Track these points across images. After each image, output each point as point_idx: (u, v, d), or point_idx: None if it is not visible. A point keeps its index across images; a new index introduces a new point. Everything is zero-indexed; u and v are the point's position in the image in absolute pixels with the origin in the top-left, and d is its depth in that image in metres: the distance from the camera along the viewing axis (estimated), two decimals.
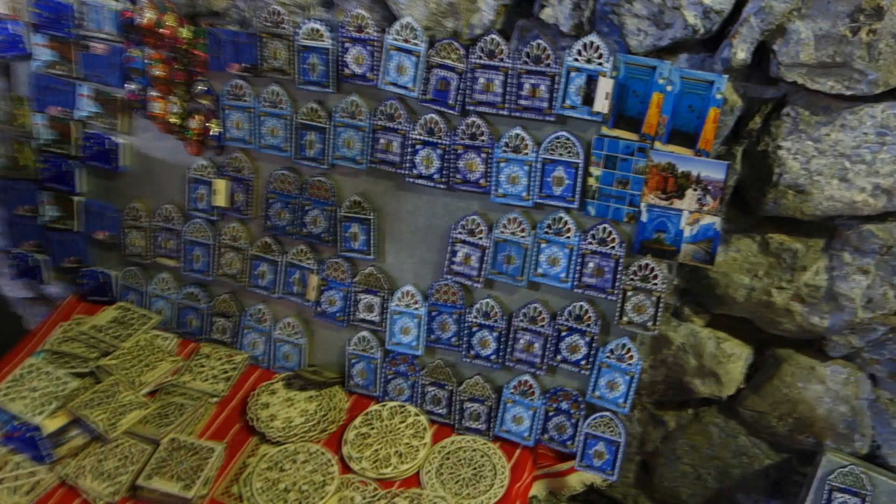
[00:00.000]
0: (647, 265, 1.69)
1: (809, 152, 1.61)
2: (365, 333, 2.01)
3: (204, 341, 2.20)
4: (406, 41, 1.72)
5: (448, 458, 1.87)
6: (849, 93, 1.51)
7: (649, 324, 1.71)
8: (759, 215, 1.75)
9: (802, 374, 1.89)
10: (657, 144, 1.61)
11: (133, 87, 2.04)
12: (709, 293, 1.89)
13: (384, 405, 2.00)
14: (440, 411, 1.97)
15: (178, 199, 2.14)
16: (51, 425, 1.85)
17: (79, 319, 2.22)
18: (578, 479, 1.98)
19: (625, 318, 1.73)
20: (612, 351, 1.76)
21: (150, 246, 2.20)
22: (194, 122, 2.00)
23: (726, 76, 1.53)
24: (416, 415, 1.96)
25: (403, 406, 1.99)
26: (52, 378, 1.96)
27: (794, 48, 1.50)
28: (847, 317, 1.75)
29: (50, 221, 2.28)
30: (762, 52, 1.55)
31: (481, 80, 1.69)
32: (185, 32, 1.92)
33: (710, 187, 1.60)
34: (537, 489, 2.00)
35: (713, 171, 1.59)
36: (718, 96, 1.54)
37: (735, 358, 1.95)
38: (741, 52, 1.53)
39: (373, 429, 1.93)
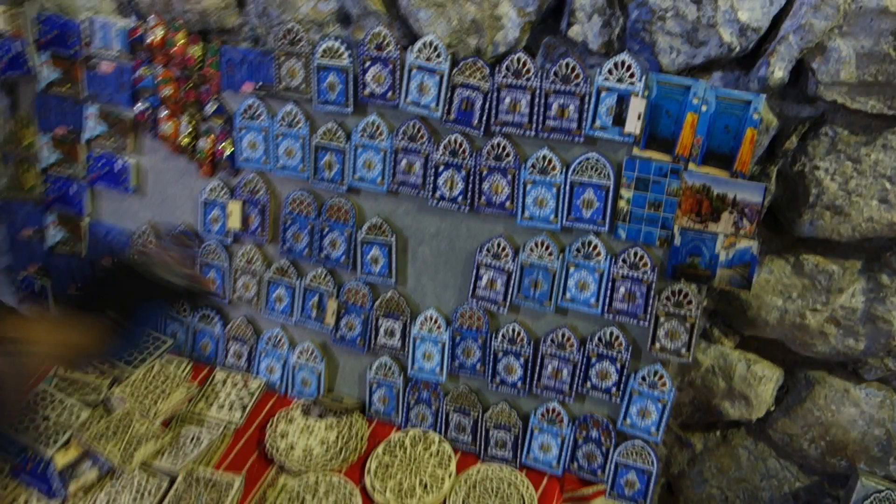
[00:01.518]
0: (680, 290, 1.63)
1: (848, 173, 1.56)
2: (386, 359, 1.95)
3: (219, 367, 2.14)
4: (428, 59, 1.67)
5: (474, 488, 1.81)
6: (891, 112, 1.46)
7: (683, 350, 1.66)
8: (794, 236, 1.70)
9: (836, 397, 1.84)
10: (691, 166, 1.56)
11: (142, 106, 1.98)
12: (740, 315, 1.84)
13: (406, 433, 1.94)
14: (465, 439, 1.91)
15: (191, 222, 2.08)
16: (63, 459, 1.79)
17: None
18: None
19: (657, 345, 1.68)
20: (643, 378, 1.71)
21: None
22: (206, 143, 1.94)
23: (763, 95, 1.48)
24: (440, 443, 1.91)
25: (426, 434, 1.93)
26: (66, 406, 1.90)
27: (835, 66, 1.45)
28: (884, 339, 1.70)
29: (56, 244, 2.22)
30: (799, 69, 1.50)
31: (507, 100, 1.64)
32: (195, 51, 1.86)
33: (746, 210, 1.55)
34: None
35: (750, 194, 1.54)
36: (756, 116, 1.49)
37: (766, 380, 1.90)
38: (779, 70, 1.48)
39: (395, 458, 1.87)
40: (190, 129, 1.95)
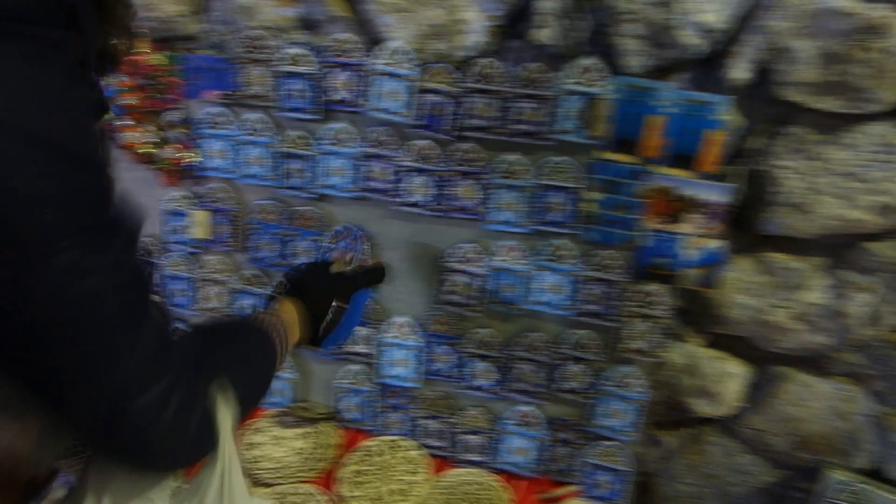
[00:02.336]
0: (649, 291, 1.65)
1: (811, 171, 1.58)
2: (357, 366, 1.94)
3: None
4: (395, 65, 1.66)
5: (449, 494, 1.81)
6: (851, 112, 1.49)
7: (653, 350, 1.68)
8: (759, 234, 1.72)
9: (802, 392, 1.87)
10: (658, 168, 1.58)
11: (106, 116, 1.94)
12: (707, 313, 1.86)
13: (378, 440, 1.93)
14: (438, 444, 1.91)
15: (156, 231, 2.05)
16: None
17: None
18: None
19: (628, 346, 1.69)
20: (614, 379, 1.72)
21: None
22: (170, 152, 1.91)
23: (728, 97, 1.50)
24: (413, 449, 1.90)
25: (399, 440, 1.92)
26: None
27: (796, 67, 1.48)
28: (847, 334, 1.74)
29: None
30: (764, 70, 1.53)
31: (474, 105, 1.64)
32: (157, 58, 1.83)
33: (712, 211, 1.57)
34: None
35: (716, 194, 1.56)
36: (720, 118, 1.51)
37: (734, 377, 1.92)
38: (742, 71, 1.51)
39: (368, 465, 1.86)
40: (153, 139, 1.92)
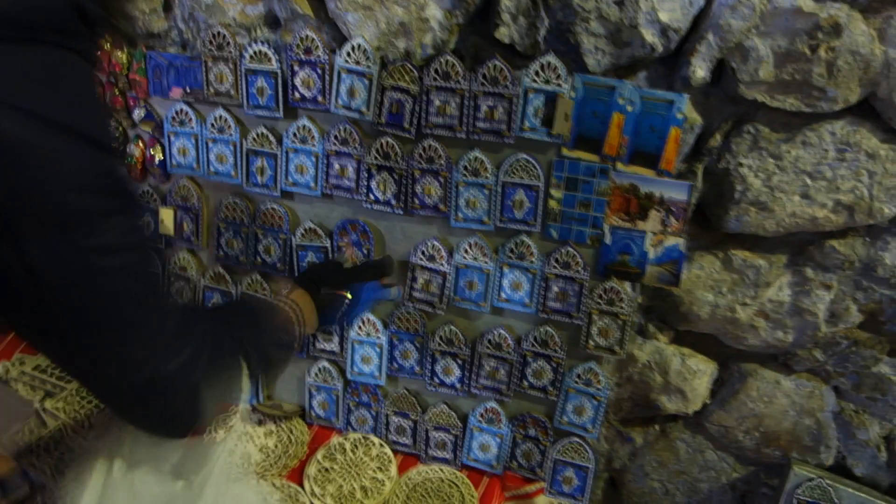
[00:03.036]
0: (611, 288, 1.65)
1: (770, 169, 1.59)
2: (325, 364, 1.94)
3: None
4: (357, 63, 1.66)
5: (415, 490, 1.81)
6: (809, 110, 1.50)
7: (616, 347, 1.68)
8: (722, 232, 1.73)
9: (768, 389, 1.88)
10: (619, 165, 1.58)
11: None
12: (673, 310, 1.87)
13: (347, 437, 1.93)
14: (405, 441, 1.91)
15: None
16: None
17: (20, 358, 2.11)
18: (547, 502, 1.94)
19: (591, 343, 1.69)
20: (578, 376, 1.73)
21: None
22: (136, 150, 1.91)
23: (686, 95, 1.51)
24: (381, 445, 1.90)
25: (367, 437, 1.93)
26: None
27: (754, 66, 1.48)
28: (811, 331, 1.75)
29: None
30: (721, 69, 1.53)
31: (436, 103, 1.64)
32: (121, 56, 1.82)
33: (673, 208, 1.58)
34: None
35: (676, 192, 1.57)
36: (679, 116, 1.51)
37: (700, 374, 1.93)
38: (700, 70, 1.51)
39: (335, 463, 1.87)
40: (118, 136, 1.91)
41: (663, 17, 1.48)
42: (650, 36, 1.50)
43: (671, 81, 1.56)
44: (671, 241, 1.60)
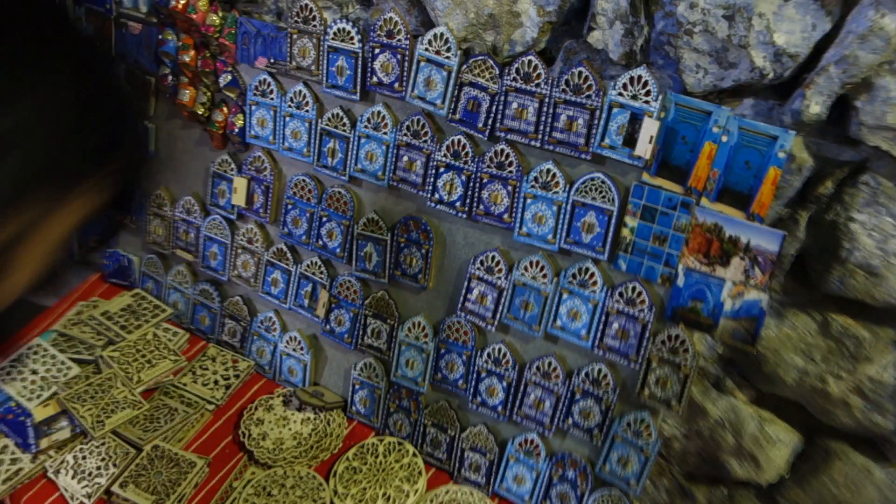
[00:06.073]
0: (677, 336, 1.47)
1: (888, 230, 1.35)
2: (371, 360, 1.87)
3: (213, 342, 2.11)
4: (437, 53, 1.55)
5: None
6: None
7: (673, 402, 1.50)
8: (823, 292, 1.50)
9: (856, 476, 1.63)
10: (704, 201, 1.39)
11: (166, 71, 1.95)
12: (755, 368, 1.65)
13: (382, 439, 1.85)
14: (439, 455, 1.81)
15: (200, 192, 2.05)
16: (41, 413, 1.80)
17: (95, 302, 2.17)
18: None
19: (646, 391, 1.52)
20: (628, 424, 1.56)
21: (170, 236, 2.12)
22: (219, 115, 1.89)
23: (793, 133, 1.29)
24: (414, 455, 1.81)
25: (402, 443, 1.84)
26: (56, 362, 1.91)
27: (881, 108, 1.25)
28: None
29: None
30: (842, 106, 1.30)
31: (514, 105, 1.51)
32: (214, 19, 1.80)
33: (759, 258, 1.37)
34: None
35: (766, 241, 1.36)
36: (781, 155, 1.31)
37: (780, 444, 1.70)
38: (815, 105, 1.29)
39: (365, 464, 1.79)
40: (205, 100, 1.90)
41: (779, 39, 1.28)
42: (761, 59, 1.30)
43: (780, 114, 1.35)
44: (752, 294, 1.39)
